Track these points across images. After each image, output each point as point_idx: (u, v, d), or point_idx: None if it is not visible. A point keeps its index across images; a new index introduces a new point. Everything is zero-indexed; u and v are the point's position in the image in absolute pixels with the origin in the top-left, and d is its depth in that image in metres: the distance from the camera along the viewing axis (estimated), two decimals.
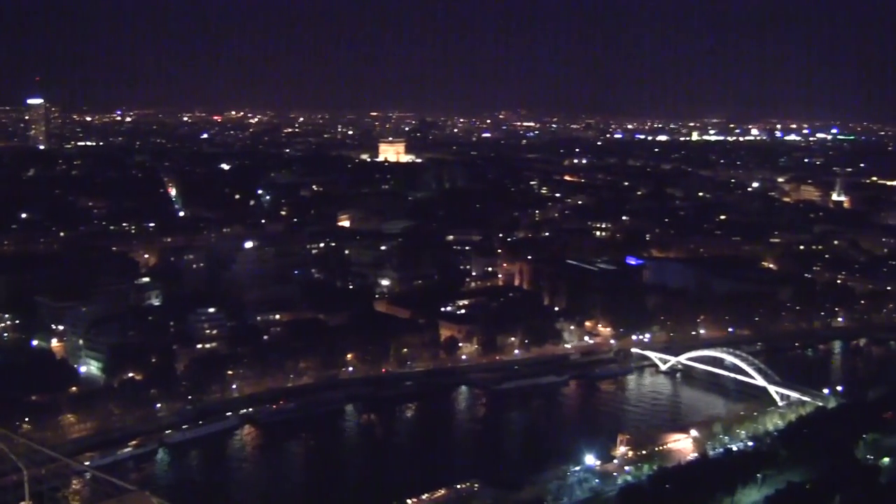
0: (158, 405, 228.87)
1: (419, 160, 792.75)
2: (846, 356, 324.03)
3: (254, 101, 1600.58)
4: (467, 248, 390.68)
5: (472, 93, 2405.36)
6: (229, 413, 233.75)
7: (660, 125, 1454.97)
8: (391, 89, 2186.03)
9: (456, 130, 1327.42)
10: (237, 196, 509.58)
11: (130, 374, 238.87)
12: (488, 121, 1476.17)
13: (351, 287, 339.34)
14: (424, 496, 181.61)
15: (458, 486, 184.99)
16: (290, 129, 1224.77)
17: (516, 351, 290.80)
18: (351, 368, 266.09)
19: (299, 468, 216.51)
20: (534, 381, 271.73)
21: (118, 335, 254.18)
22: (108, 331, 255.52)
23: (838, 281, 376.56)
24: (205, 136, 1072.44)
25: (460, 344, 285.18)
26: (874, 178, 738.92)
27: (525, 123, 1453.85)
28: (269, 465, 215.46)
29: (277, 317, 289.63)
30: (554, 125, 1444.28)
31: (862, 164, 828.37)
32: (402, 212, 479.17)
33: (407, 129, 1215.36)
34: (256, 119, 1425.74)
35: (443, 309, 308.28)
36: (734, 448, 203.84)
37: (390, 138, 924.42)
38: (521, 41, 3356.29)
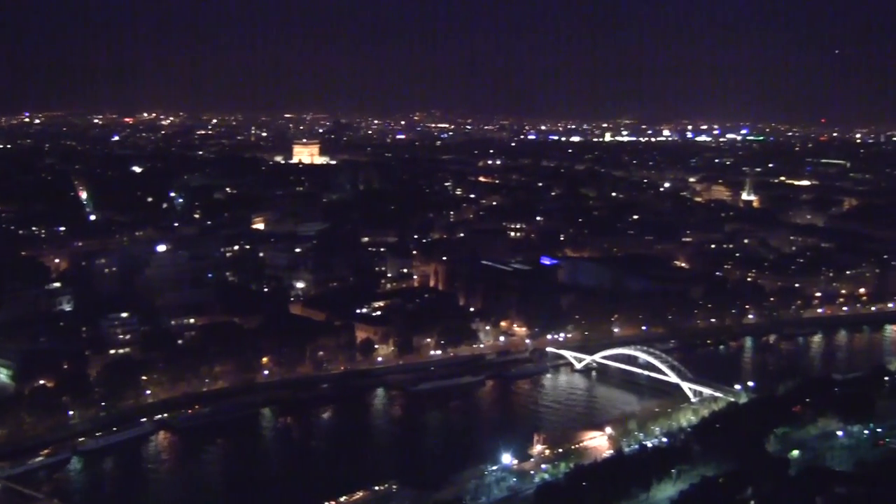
0: (71, 412, 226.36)
1: (334, 162, 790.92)
2: (757, 352, 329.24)
3: (166, 102, 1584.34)
4: (382, 249, 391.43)
5: (386, 94, 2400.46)
6: (144, 419, 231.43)
7: (573, 126, 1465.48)
8: (305, 91, 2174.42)
9: (370, 132, 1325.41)
10: (149, 199, 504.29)
11: (42, 382, 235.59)
12: (402, 122, 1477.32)
13: (266, 290, 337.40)
14: (343, 498, 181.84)
15: (377, 488, 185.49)
16: (202, 131, 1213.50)
17: (432, 352, 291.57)
18: (267, 372, 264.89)
19: (216, 473, 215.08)
20: (450, 382, 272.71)
21: (29, 341, 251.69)
22: (18, 337, 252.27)
23: (748, 279, 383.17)
24: (116, 138, 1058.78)
25: (376, 346, 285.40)
26: (782, 178, 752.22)
27: (439, 125, 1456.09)
28: (186, 471, 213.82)
29: (192, 321, 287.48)
30: (468, 126, 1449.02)
31: (771, 165, 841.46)
32: (317, 214, 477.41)
33: (321, 130, 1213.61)
34: (168, 121, 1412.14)
35: (358, 311, 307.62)
36: (649, 444, 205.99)
37: (304, 140, 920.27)
38: (435, 43, 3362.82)
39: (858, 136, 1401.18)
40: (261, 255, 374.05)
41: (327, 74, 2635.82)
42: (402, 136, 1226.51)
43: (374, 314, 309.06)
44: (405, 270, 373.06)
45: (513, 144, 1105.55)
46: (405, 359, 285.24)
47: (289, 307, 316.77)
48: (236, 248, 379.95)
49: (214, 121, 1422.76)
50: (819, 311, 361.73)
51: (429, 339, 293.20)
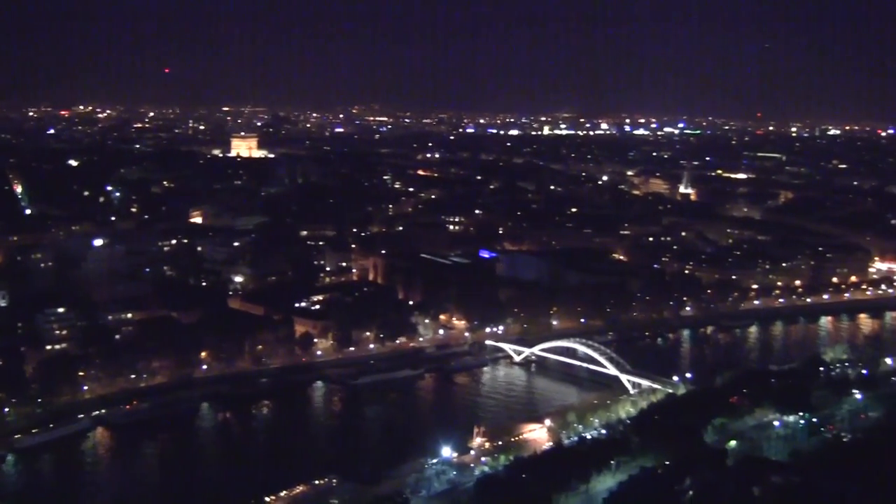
0: (7, 409, 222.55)
1: (272, 155, 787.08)
2: (694, 344, 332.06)
3: (102, 95, 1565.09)
4: (321, 243, 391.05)
5: (325, 87, 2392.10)
6: (81, 415, 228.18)
7: (511, 120, 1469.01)
8: (243, 84, 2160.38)
9: (309, 125, 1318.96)
10: (86, 193, 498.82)
11: None
12: (341, 116, 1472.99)
13: (204, 284, 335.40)
14: (283, 493, 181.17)
15: (317, 482, 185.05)
16: (140, 125, 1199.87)
17: (371, 345, 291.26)
18: (205, 367, 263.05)
19: (155, 469, 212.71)
20: (390, 376, 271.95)
21: None
22: None
23: (686, 271, 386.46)
24: (51, 131, 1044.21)
25: (315, 340, 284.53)
26: (719, 172, 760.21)
27: (378, 118, 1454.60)
28: (124, 468, 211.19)
29: (129, 316, 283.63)
30: (407, 120, 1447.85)
31: (708, 158, 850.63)
32: (256, 208, 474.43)
33: (259, 123, 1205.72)
34: (105, 114, 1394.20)
35: (297, 305, 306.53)
36: (588, 436, 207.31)
37: (242, 133, 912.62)
38: (373, 35, 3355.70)
39: (794, 129, 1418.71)
40: (199, 249, 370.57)
41: (266, 68, 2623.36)
42: (341, 130, 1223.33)
43: (313, 308, 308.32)
44: (344, 264, 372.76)
45: (451, 138, 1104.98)
46: (344, 353, 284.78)
47: (227, 301, 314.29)
48: (174, 242, 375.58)
49: (152, 114, 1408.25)
50: (756, 303, 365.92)
51: (368, 333, 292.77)
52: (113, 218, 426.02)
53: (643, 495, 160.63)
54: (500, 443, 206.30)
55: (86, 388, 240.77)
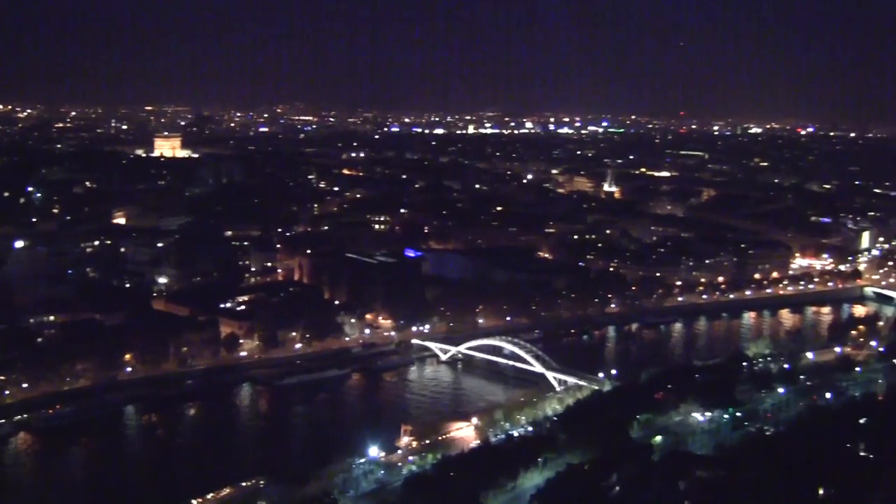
0: None
1: (196, 155, 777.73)
2: (620, 341, 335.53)
3: (22, 94, 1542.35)
4: (246, 243, 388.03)
5: (249, 86, 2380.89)
6: (2, 420, 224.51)
7: (437, 119, 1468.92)
8: (166, 83, 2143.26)
9: (233, 125, 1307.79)
10: (6, 194, 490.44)
11: None
12: (266, 115, 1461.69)
13: (128, 286, 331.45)
14: (209, 496, 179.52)
15: (244, 484, 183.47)
16: (61, 124, 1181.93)
17: (298, 346, 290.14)
18: (130, 369, 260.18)
19: (79, 474, 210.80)
20: (317, 376, 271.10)
21: None
22: None
23: (611, 268, 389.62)
24: None
25: (241, 340, 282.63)
26: (643, 169, 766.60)
27: (302, 117, 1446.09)
28: (47, 473, 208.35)
29: (52, 318, 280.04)
30: (332, 119, 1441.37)
31: (631, 156, 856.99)
32: (180, 208, 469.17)
33: (183, 123, 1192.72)
34: (25, 113, 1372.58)
35: (222, 306, 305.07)
36: (515, 434, 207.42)
37: (166, 133, 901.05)
38: (298, 34, 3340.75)
39: (716, 128, 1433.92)
40: (122, 250, 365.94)
41: (189, 67, 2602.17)
42: (266, 129, 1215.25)
43: (238, 309, 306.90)
44: (269, 264, 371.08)
45: (376, 137, 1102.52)
46: (271, 353, 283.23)
47: (151, 303, 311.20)
48: (97, 243, 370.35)
49: (73, 113, 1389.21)
50: (679, 299, 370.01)
51: (294, 333, 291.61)
52: (34, 219, 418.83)
53: (570, 492, 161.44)
54: (427, 441, 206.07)
55: (7, 392, 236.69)
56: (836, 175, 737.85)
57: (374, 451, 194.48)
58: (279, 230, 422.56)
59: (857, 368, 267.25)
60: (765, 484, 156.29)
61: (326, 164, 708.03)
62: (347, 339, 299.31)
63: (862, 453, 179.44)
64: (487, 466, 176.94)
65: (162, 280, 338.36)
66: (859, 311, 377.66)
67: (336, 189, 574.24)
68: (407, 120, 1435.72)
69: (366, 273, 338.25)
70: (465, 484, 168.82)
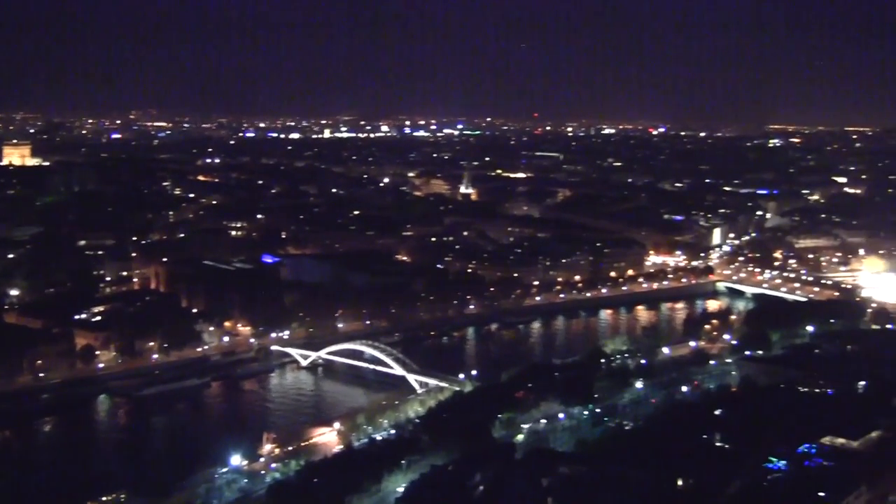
0: None
1: (47, 163, 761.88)
2: (479, 341, 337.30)
3: None
4: (100, 252, 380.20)
5: (100, 92, 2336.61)
6: None
7: (292, 123, 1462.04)
8: (15, 89, 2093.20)
9: (85, 131, 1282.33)
10: None
11: None
12: (118, 121, 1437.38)
13: None
14: None
15: (104, 499, 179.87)
16: None
17: (156, 355, 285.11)
18: None
19: None
20: (176, 385, 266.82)
21: None
22: None
23: (469, 270, 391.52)
24: None
25: (98, 352, 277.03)
26: (499, 171, 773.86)
27: (156, 123, 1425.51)
28: None
29: None
30: (186, 125, 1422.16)
31: (487, 158, 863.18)
32: (31, 217, 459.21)
33: (32, 130, 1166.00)
34: None
35: (77, 317, 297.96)
36: (378, 437, 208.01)
37: (15, 141, 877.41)
38: (149, 38, 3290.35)
39: (570, 129, 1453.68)
40: None
41: (39, 72, 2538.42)
42: (119, 136, 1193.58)
43: (93, 319, 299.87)
44: (125, 273, 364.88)
45: (232, 142, 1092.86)
46: (128, 364, 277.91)
47: (2, 315, 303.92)
48: None
49: None
50: (538, 299, 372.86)
51: (152, 343, 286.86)
52: None
53: (435, 493, 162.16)
54: (290, 448, 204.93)
55: None
56: (687, 174, 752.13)
57: (236, 460, 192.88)
58: (134, 238, 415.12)
59: (712, 362, 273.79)
60: (626, 478, 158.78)
61: (181, 170, 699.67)
62: (206, 347, 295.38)
63: (718, 444, 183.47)
64: (351, 471, 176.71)
65: (13, 292, 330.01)
66: (712, 305, 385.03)
67: (192, 196, 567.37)
68: (262, 125, 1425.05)
69: (223, 280, 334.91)
70: (329, 489, 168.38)
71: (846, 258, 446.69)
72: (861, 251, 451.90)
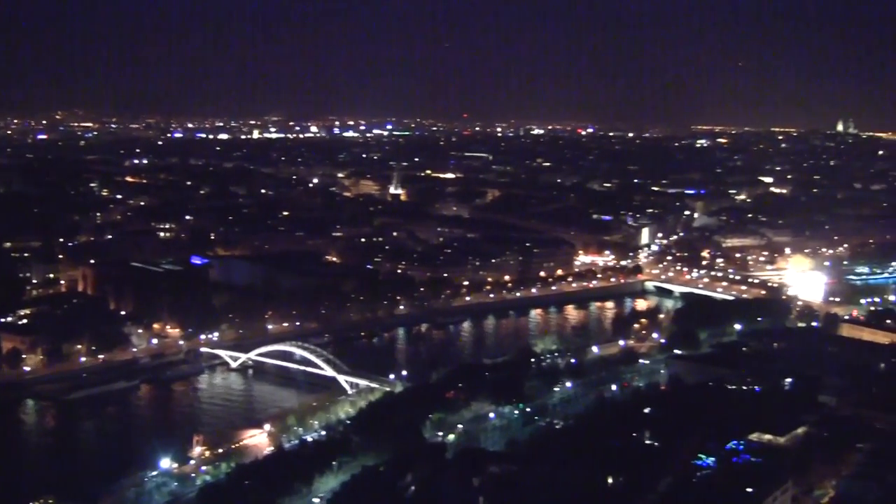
0: None
1: None
2: (410, 342, 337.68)
3: None
4: (26, 255, 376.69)
5: (25, 92, 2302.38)
6: None
7: (221, 124, 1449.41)
8: None
9: (9, 132, 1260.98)
10: None
11: None
12: (44, 122, 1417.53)
13: None
14: None
15: None
16: None
17: (84, 359, 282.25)
18: None
19: None
20: (104, 389, 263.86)
21: None
22: None
23: (399, 270, 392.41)
24: None
25: (24, 355, 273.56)
26: (428, 172, 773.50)
27: (83, 124, 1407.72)
28: None
29: None
30: (113, 125, 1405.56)
31: (417, 159, 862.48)
32: None
33: None
34: None
35: (3, 320, 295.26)
36: (309, 439, 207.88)
37: None
38: (76, 37, 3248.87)
39: (499, 129, 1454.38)
40: None
41: None
42: (44, 136, 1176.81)
43: (20, 322, 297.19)
44: (52, 276, 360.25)
45: (160, 143, 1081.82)
46: (55, 367, 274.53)
47: None
48: None
49: None
50: (467, 299, 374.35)
51: (80, 346, 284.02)
52: None
53: (366, 494, 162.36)
54: (220, 450, 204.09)
55: None
56: (615, 174, 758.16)
57: (165, 463, 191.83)
58: (61, 240, 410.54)
59: (641, 360, 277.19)
60: (556, 476, 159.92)
61: (109, 171, 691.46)
62: (135, 349, 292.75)
63: (647, 442, 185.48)
64: (282, 473, 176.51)
65: None
66: (641, 304, 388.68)
67: (119, 197, 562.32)
68: (191, 125, 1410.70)
69: (152, 282, 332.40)
70: (259, 491, 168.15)
71: (772, 257, 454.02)
72: (787, 250, 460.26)
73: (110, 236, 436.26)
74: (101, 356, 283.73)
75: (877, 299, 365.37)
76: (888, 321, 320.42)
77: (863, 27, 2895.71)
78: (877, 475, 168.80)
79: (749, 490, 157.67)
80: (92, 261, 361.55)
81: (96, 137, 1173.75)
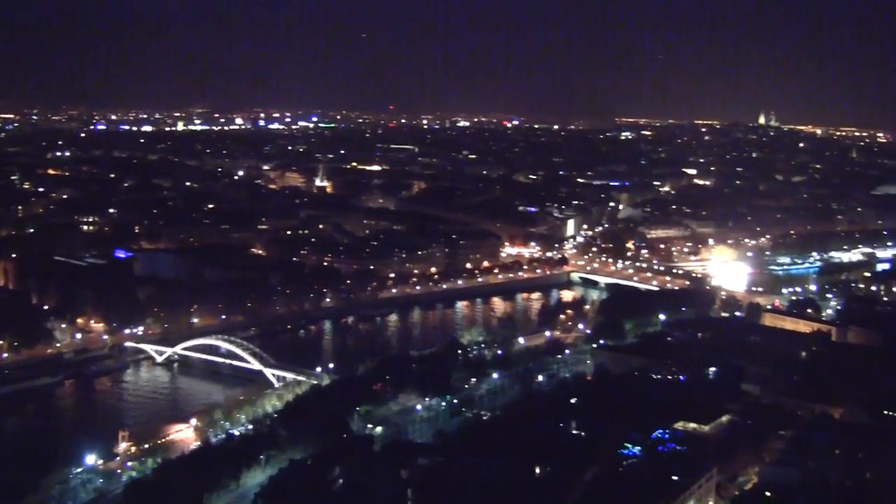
0: None
1: None
2: (336, 334, 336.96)
3: None
4: None
5: None
6: None
7: (144, 116, 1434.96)
8: None
9: None
10: None
11: None
12: None
13: None
14: None
15: None
16: None
17: (5, 354, 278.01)
18: None
19: None
20: (26, 385, 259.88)
21: None
22: None
23: (325, 263, 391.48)
24: None
25: None
26: (354, 164, 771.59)
27: (3, 115, 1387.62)
28: None
29: None
30: (35, 117, 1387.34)
31: (342, 151, 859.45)
32: None
33: None
34: None
35: None
36: (236, 433, 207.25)
37: None
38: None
39: (425, 122, 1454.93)
40: None
41: None
42: None
43: None
44: None
45: (83, 135, 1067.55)
46: None
47: None
48: None
49: None
50: (394, 291, 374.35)
51: (1, 342, 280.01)
52: None
53: (294, 487, 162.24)
54: (146, 446, 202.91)
55: None
56: (541, 166, 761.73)
57: (91, 460, 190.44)
58: None
59: (567, 351, 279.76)
60: (484, 467, 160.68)
61: (30, 163, 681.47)
62: (58, 344, 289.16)
63: (574, 432, 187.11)
64: (209, 467, 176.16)
65: None
66: (567, 296, 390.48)
67: (41, 190, 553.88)
68: (114, 117, 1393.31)
69: (75, 276, 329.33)
70: (186, 487, 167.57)
71: (696, 248, 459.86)
72: (710, 241, 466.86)
73: (32, 230, 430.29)
74: (23, 352, 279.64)
75: (798, 289, 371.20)
76: (809, 310, 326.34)
77: (783, 19, 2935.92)
78: (799, 462, 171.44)
79: (675, 478, 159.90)
80: (13, 255, 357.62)
81: (17, 129, 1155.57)
